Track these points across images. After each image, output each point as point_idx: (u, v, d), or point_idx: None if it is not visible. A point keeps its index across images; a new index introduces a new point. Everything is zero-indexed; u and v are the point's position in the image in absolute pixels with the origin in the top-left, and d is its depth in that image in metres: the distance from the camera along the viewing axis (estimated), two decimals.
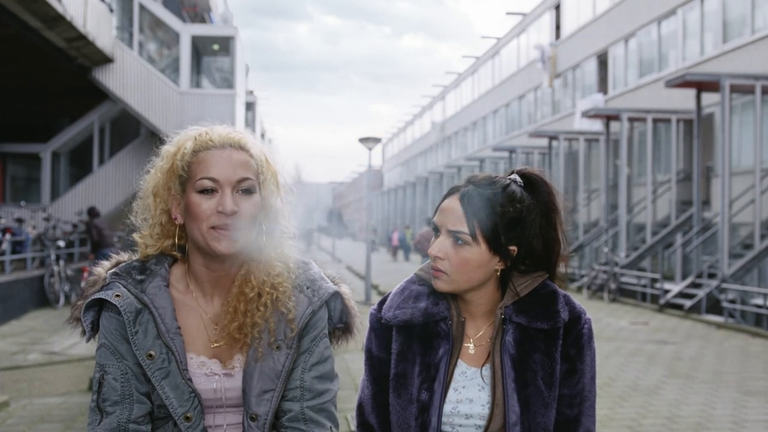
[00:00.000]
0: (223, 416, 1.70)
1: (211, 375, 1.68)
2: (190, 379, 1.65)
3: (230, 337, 1.69)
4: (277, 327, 1.70)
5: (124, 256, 1.79)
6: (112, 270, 1.72)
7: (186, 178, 1.65)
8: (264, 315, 1.69)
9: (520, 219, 1.76)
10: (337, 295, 1.78)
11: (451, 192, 1.79)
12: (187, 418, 1.63)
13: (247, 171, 1.66)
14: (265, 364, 1.68)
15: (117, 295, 1.65)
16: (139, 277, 1.69)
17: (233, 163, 1.65)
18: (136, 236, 1.77)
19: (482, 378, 1.79)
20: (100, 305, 1.68)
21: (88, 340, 1.70)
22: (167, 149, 1.71)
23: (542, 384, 1.76)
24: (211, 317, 1.72)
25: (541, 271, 1.83)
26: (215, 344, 1.70)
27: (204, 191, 1.63)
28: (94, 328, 1.69)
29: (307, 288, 1.75)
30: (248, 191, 1.66)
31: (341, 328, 1.81)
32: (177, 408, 1.63)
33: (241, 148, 1.67)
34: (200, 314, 1.72)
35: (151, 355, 1.62)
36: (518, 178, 1.82)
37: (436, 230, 1.79)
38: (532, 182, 1.82)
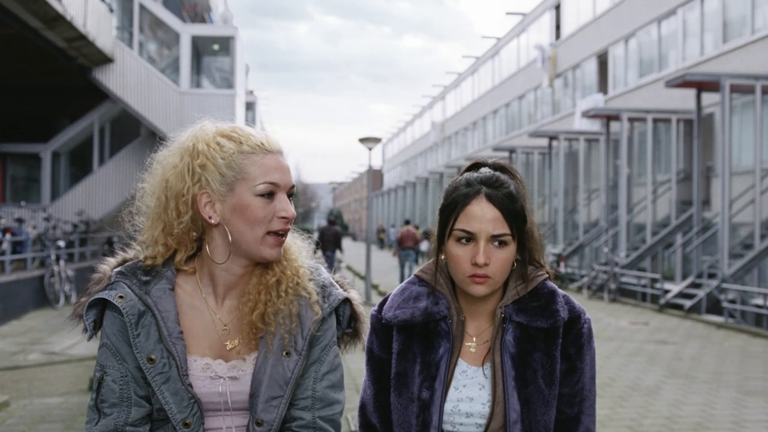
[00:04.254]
0: (231, 419, 1.69)
1: (216, 378, 1.67)
2: (190, 385, 1.63)
3: (251, 326, 1.68)
4: (298, 312, 1.70)
5: (131, 254, 1.76)
6: (118, 269, 1.70)
7: (237, 178, 1.64)
8: (285, 300, 1.69)
9: (524, 209, 1.80)
10: (346, 301, 1.78)
11: (471, 197, 1.76)
12: (186, 425, 1.62)
13: (292, 177, 1.71)
14: (275, 370, 1.67)
15: (120, 297, 1.64)
16: (144, 278, 1.68)
17: (286, 170, 1.69)
18: (141, 240, 1.73)
19: (483, 376, 1.80)
20: (103, 303, 1.67)
21: (90, 338, 1.69)
22: (192, 146, 1.66)
23: (542, 383, 1.77)
24: (222, 318, 1.71)
25: (537, 265, 1.86)
26: (229, 345, 1.69)
27: (262, 195, 1.64)
28: (96, 326, 1.67)
29: (318, 294, 1.74)
30: (292, 196, 1.71)
31: (349, 333, 1.81)
32: (176, 414, 1.62)
33: (284, 153, 1.71)
34: (209, 316, 1.70)
35: (152, 359, 1.62)
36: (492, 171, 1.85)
37: (469, 239, 1.75)
38: (507, 173, 1.85)
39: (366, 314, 1.82)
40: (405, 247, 21.20)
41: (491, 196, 1.75)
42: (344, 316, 1.78)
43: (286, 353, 1.68)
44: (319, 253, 21.71)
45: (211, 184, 1.64)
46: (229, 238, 1.66)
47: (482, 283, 1.75)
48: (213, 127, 1.70)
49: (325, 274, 1.80)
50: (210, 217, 1.66)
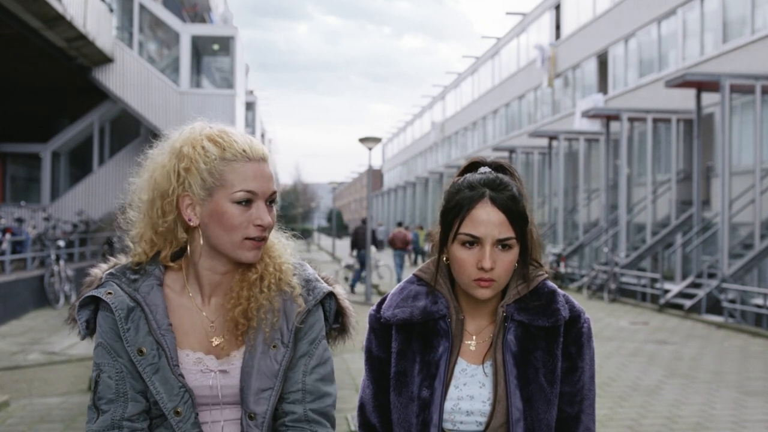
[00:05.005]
0: (220, 412, 1.72)
1: (207, 372, 1.70)
2: (181, 375, 1.66)
3: (234, 322, 1.71)
4: (282, 306, 1.73)
5: (123, 259, 1.80)
6: (108, 271, 1.75)
7: (216, 184, 1.67)
8: (268, 296, 1.72)
9: (525, 209, 1.80)
10: (331, 295, 1.80)
11: (475, 200, 1.76)
12: (177, 413, 1.65)
13: (274, 184, 1.73)
14: (263, 362, 1.70)
15: (109, 293, 1.68)
16: (133, 277, 1.72)
17: (266, 178, 1.70)
18: (131, 237, 1.77)
19: (483, 375, 1.81)
20: (96, 304, 1.70)
21: (83, 338, 1.72)
22: (179, 148, 1.70)
23: (544, 381, 1.77)
24: (208, 315, 1.74)
25: (535, 264, 1.86)
26: (215, 342, 1.72)
27: (239, 202, 1.67)
28: (90, 327, 1.70)
29: (302, 288, 1.77)
30: (273, 202, 1.73)
31: (337, 328, 1.83)
32: (167, 402, 1.65)
33: (268, 161, 1.73)
34: (197, 313, 1.74)
35: (141, 351, 1.65)
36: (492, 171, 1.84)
37: (473, 242, 1.75)
38: (506, 173, 1.85)
39: (361, 313, 1.83)
40: (396, 248, 22.61)
41: (495, 199, 1.75)
42: (331, 310, 1.80)
43: (273, 346, 1.70)
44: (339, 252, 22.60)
45: (193, 187, 1.68)
46: (208, 240, 1.70)
47: (487, 287, 1.76)
48: (203, 129, 1.72)
49: (310, 269, 1.83)
50: (190, 220, 1.70)
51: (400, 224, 28.71)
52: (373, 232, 20.73)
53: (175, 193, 1.69)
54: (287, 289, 1.74)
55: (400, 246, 22.58)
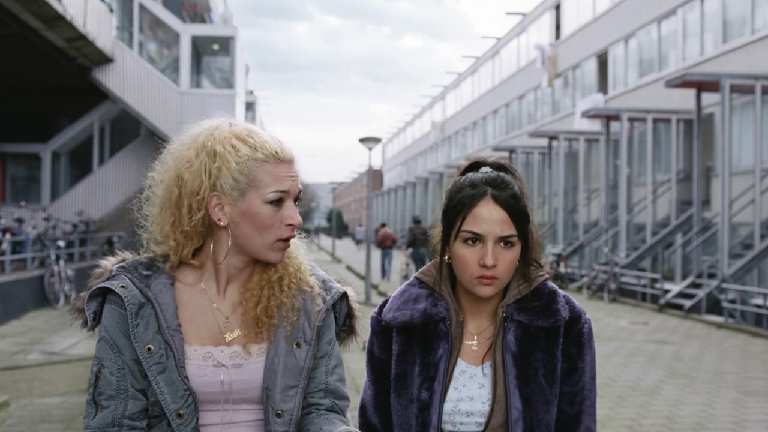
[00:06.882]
0: (231, 413, 1.69)
1: (219, 366, 1.68)
2: (186, 377, 1.64)
3: (255, 320, 1.70)
4: (302, 305, 1.74)
5: (128, 255, 1.78)
6: (119, 264, 1.73)
7: (250, 185, 1.66)
8: (288, 295, 1.73)
9: (527, 208, 1.81)
10: (344, 295, 1.81)
11: (477, 198, 1.76)
12: (179, 415, 1.63)
13: (299, 183, 1.75)
14: (288, 360, 1.70)
15: (122, 286, 1.66)
16: (145, 273, 1.70)
17: (296, 178, 1.73)
18: (150, 230, 1.74)
19: (482, 375, 1.81)
20: (103, 297, 1.68)
21: (90, 329, 1.69)
22: (210, 146, 1.67)
23: (544, 381, 1.78)
24: (223, 311, 1.73)
25: (536, 264, 1.86)
26: (229, 337, 1.71)
27: (271, 202, 1.68)
28: (96, 318, 1.68)
29: (320, 287, 1.78)
30: (297, 200, 1.75)
31: (345, 330, 1.84)
32: (170, 404, 1.62)
33: (295, 161, 1.75)
34: (211, 308, 1.72)
35: (149, 349, 1.63)
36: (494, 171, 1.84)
37: (475, 240, 1.76)
38: (507, 172, 1.85)
39: (363, 313, 1.83)
40: (385, 247, 24.81)
41: (497, 197, 1.76)
42: (341, 312, 1.81)
43: (296, 344, 1.71)
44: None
45: (224, 187, 1.66)
46: (236, 240, 1.70)
47: (490, 284, 1.76)
48: (228, 128, 1.71)
49: (321, 270, 1.84)
50: (219, 219, 1.69)
51: (383, 225, 31.24)
52: (426, 232, 21.06)
53: (206, 192, 1.66)
54: (306, 289, 1.76)
55: (389, 245, 24.69)
